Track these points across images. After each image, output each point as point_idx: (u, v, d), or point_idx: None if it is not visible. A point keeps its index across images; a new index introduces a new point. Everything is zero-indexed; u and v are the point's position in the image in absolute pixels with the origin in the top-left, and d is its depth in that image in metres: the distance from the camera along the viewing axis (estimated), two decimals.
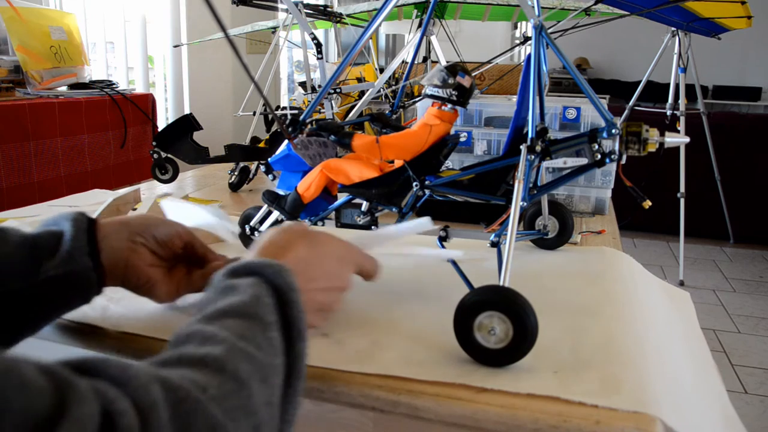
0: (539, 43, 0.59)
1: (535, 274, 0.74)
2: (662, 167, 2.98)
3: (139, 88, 2.67)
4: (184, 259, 0.62)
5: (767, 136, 3.29)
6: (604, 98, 4.10)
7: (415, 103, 1.31)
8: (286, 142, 0.70)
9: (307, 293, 0.48)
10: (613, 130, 0.56)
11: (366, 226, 0.74)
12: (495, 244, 0.64)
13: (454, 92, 0.64)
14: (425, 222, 0.60)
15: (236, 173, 1.26)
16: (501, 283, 0.51)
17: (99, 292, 0.55)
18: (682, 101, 2.81)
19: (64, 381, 0.28)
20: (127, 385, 0.30)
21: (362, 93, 1.48)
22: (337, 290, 0.54)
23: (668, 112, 2.95)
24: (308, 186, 0.69)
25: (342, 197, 0.73)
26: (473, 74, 0.67)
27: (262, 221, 0.78)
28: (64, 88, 1.87)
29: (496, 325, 0.49)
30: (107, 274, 0.55)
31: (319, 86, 1.32)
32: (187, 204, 0.71)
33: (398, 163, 0.67)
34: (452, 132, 0.68)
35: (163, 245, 0.59)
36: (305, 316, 0.43)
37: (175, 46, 2.84)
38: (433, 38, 1.62)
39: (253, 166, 1.28)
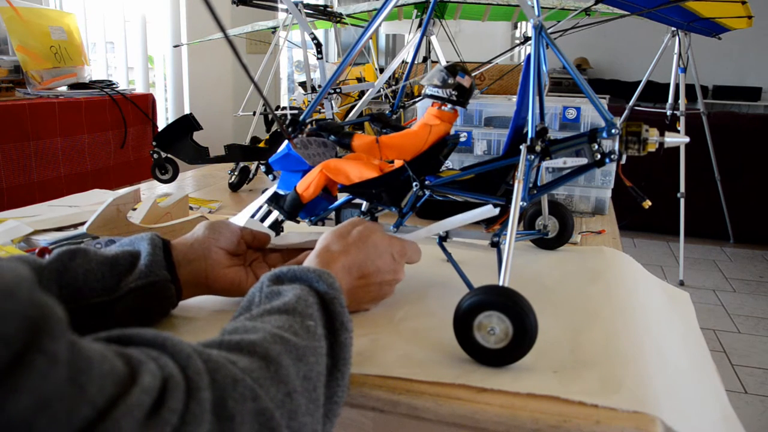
0: (539, 43, 0.59)
1: (535, 274, 0.74)
2: (662, 167, 2.99)
3: (139, 88, 2.67)
4: (253, 250, 0.66)
5: (767, 136, 3.29)
6: (604, 98, 4.11)
7: (415, 103, 1.31)
8: (286, 142, 0.70)
9: (362, 288, 0.58)
10: (613, 130, 0.56)
11: None
12: (495, 244, 0.64)
13: (453, 92, 0.64)
14: (489, 209, 0.62)
15: (236, 173, 1.26)
16: (501, 283, 0.51)
17: (175, 305, 0.59)
18: (682, 101, 2.81)
19: (132, 359, 0.30)
20: (164, 345, 0.34)
21: (362, 93, 1.48)
22: (392, 282, 0.62)
23: (668, 112, 2.95)
24: (308, 186, 0.69)
25: (342, 197, 0.73)
26: (473, 74, 0.67)
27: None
28: (64, 88, 1.87)
29: (496, 325, 0.49)
30: (189, 287, 0.59)
31: (319, 86, 1.32)
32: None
33: (398, 163, 0.67)
34: (452, 132, 0.68)
35: (236, 243, 0.63)
36: (347, 311, 0.48)
37: (175, 46, 2.83)
38: (433, 38, 1.62)
39: (253, 166, 1.28)
